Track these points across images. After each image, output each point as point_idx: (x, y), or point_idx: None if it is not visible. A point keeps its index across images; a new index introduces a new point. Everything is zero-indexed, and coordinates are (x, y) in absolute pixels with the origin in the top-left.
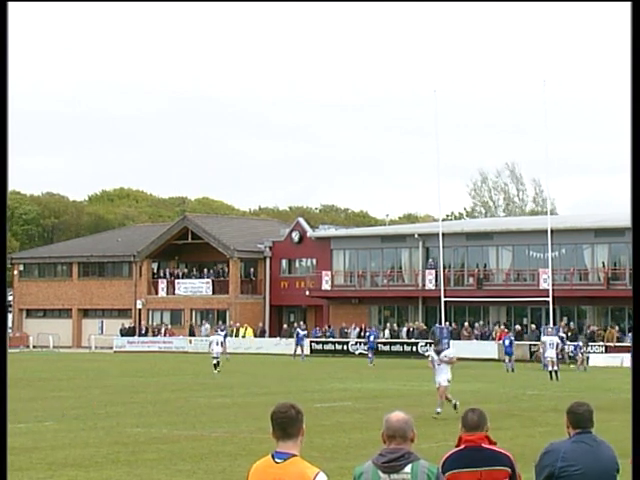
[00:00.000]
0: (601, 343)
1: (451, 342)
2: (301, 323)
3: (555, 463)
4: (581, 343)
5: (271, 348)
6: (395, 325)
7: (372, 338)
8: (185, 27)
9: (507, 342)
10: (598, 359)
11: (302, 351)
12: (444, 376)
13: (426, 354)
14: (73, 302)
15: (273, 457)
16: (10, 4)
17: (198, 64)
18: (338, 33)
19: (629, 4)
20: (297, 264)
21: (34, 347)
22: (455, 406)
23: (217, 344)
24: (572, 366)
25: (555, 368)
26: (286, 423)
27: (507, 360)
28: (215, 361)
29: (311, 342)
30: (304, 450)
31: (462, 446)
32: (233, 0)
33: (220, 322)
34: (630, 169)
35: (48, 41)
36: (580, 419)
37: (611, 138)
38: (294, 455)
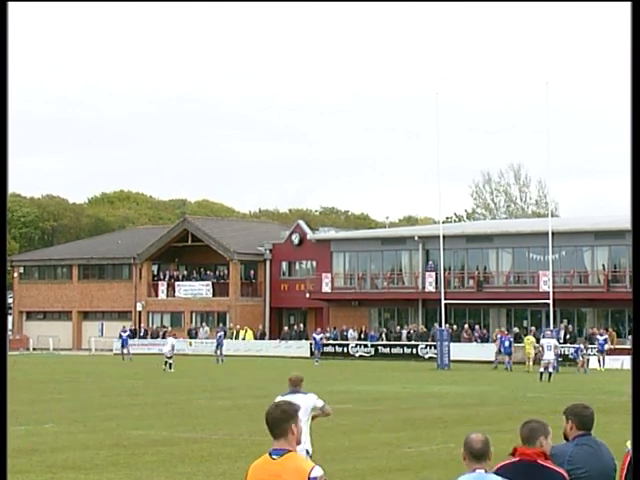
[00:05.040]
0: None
1: (451, 344)
2: (221, 325)
3: (562, 466)
4: (582, 345)
5: (271, 350)
6: (397, 327)
7: (319, 338)
8: (184, 30)
9: (507, 343)
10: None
11: (221, 353)
12: None
13: (426, 356)
14: (73, 304)
15: (270, 454)
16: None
17: (198, 67)
18: (341, 35)
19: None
20: (297, 266)
21: (34, 349)
22: None
23: (170, 346)
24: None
25: (550, 370)
26: (272, 424)
27: (506, 360)
28: (170, 361)
29: (311, 344)
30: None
31: (517, 458)
32: (233, 0)
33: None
34: (630, 171)
35: (47, 42)
36: (587, 421)
37: (612, 140)
38: (290, 451)
